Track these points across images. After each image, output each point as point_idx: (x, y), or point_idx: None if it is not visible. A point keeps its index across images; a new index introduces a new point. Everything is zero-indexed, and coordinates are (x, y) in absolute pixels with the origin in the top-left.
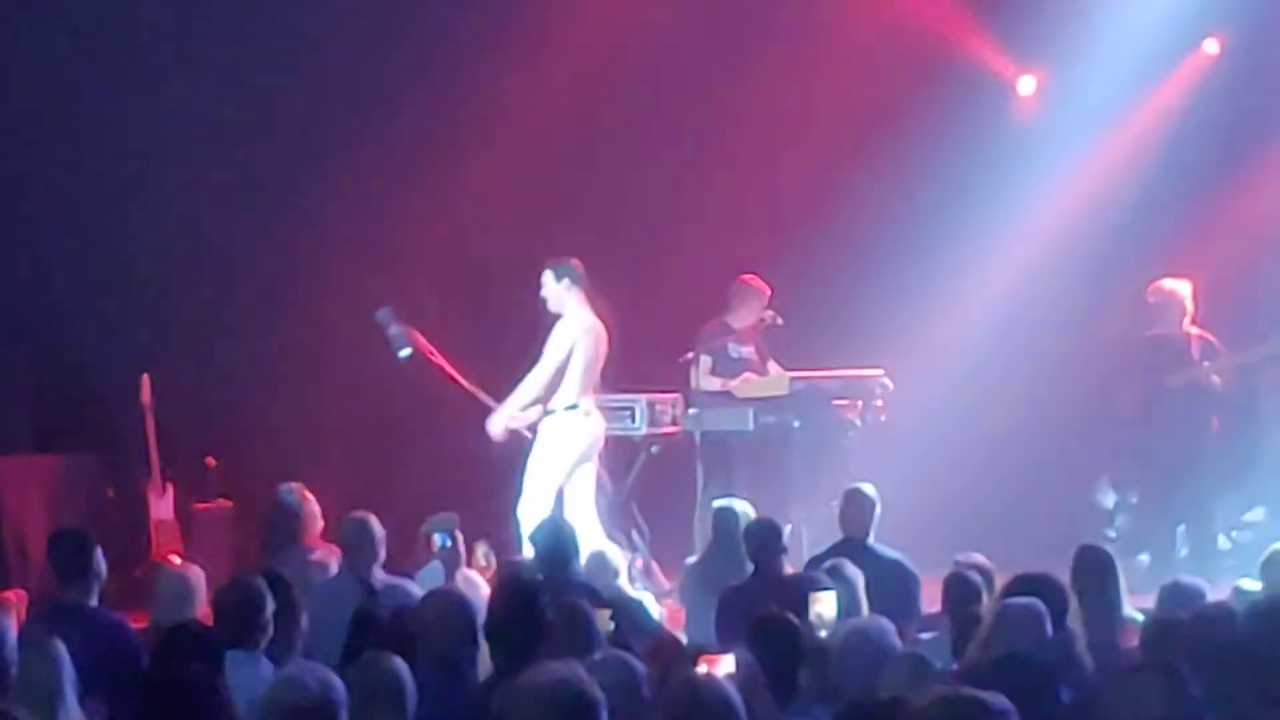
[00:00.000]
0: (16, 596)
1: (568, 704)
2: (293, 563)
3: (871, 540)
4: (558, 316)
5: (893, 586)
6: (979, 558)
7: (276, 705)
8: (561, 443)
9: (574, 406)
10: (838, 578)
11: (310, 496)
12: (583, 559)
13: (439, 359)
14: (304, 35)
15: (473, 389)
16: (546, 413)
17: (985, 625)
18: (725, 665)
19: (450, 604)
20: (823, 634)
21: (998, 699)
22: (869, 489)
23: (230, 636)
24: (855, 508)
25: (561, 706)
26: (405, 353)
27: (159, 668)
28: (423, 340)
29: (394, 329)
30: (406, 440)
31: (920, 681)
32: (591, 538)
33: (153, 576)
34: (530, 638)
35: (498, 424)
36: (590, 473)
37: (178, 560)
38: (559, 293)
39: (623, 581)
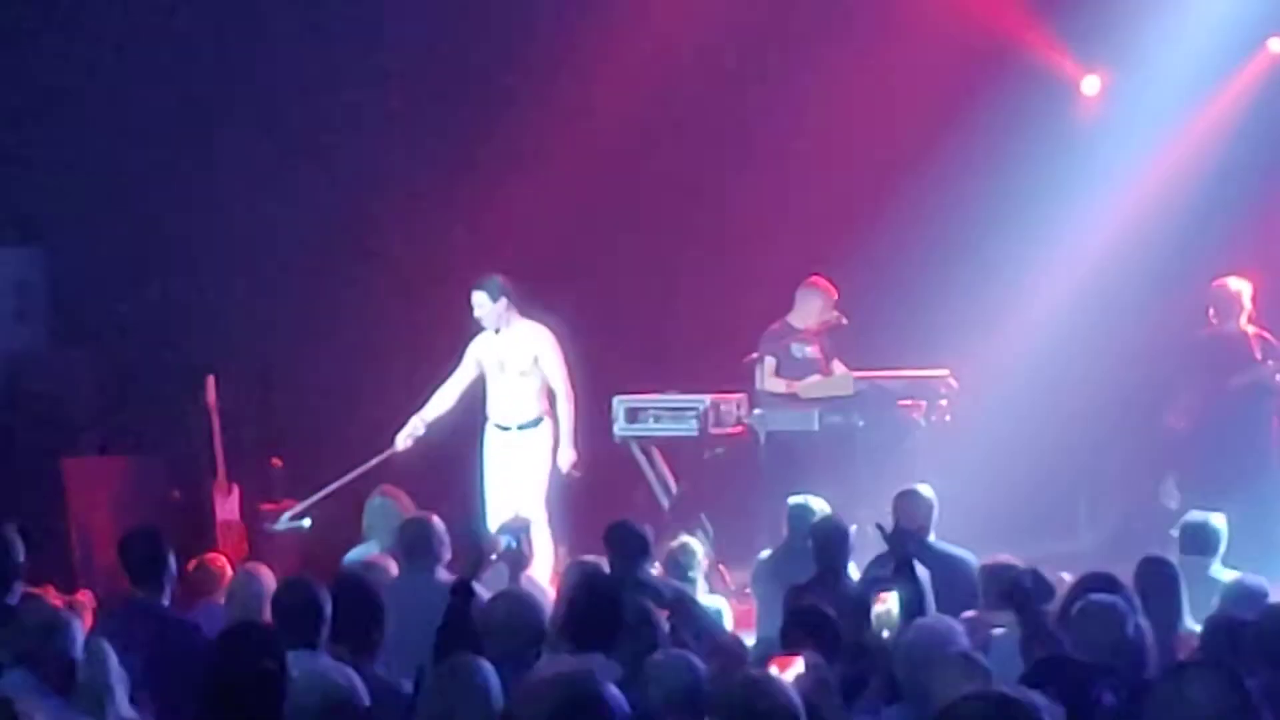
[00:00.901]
0: (85, 599)
1: (575, 700)
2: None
3: (932, 539)
4: (478, 330)
5: (954, 584)
6: (1005, 558)
7: (302, 703)
8: (545, 457)
9: (542, 418)
10: (908, 578)
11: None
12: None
13: (322, 492)
14: (368, 42)
15: (365, 469)
16: (523, 426)
17: (1056, 621)
18: (795, 667)
19: (520, 604)
20: (885, 634)
21: (1030, 696)
22: (925, 489)
23: (290, 636)
24: (911, 508)
25: (568, 702)
26: (307, 523)
27: (221, 666)
28: (300, 504)
29: (285, 525)
30: (473, 441)
31: (975, 680)
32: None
33: (202, 574)
34: (608, 636)
35: (569, 453)
36: None
37: (223, 559)
38: (499, 311)
39: (697, 574)
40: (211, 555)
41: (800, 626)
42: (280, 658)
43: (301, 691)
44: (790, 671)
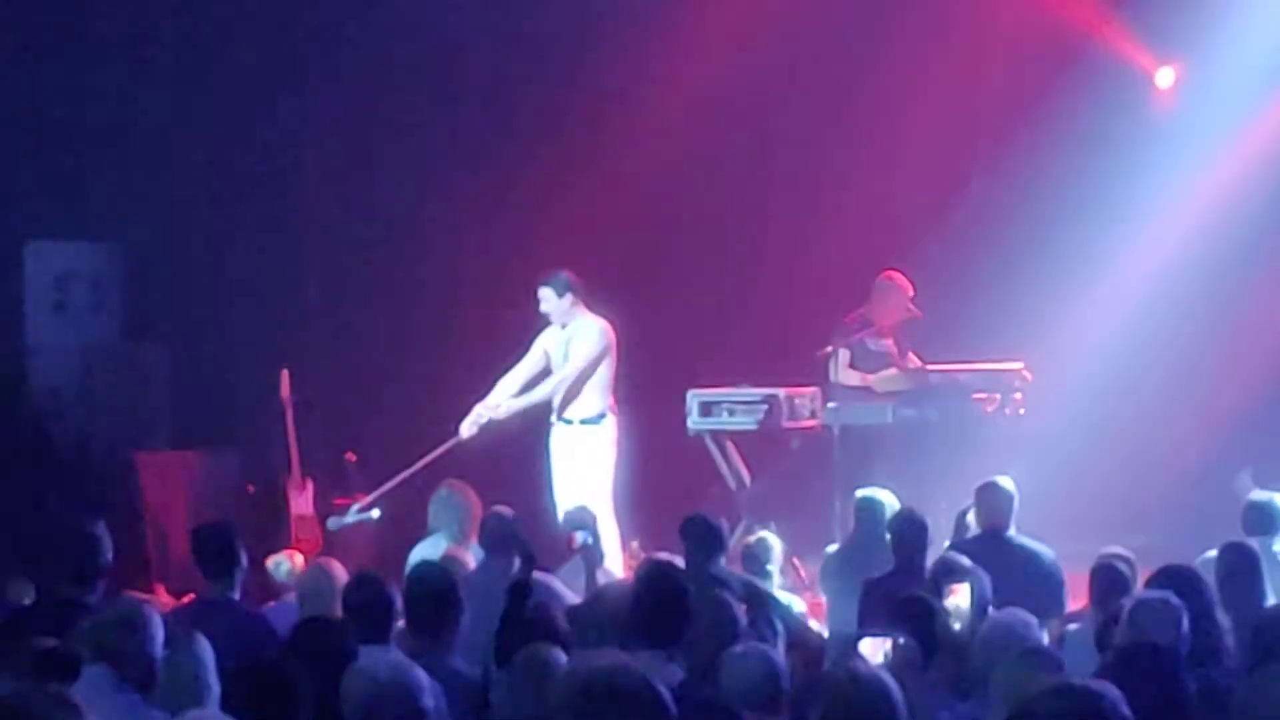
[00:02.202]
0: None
1: (603, 692)
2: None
3: (1012, 532)
4: (547, 323)
5: (1035, 578)
6: (1122, 550)
7: (356, 699)
8: (609, 451)
9: (606, 414)
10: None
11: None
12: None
13: (389, 484)
14: (436, 44)
15: (431, 458)
16: (585, 421)
17: (1121, 619)
18: (883, 646)
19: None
20: (957, 625)
21: (1107, 688)
22: (1006, 481)
23: (361, 631)
24: (992, 500)
25: (594, 694)
26: (376, 514)
27: (293, 660)
28: (368, 496)
29: (354, 517)
30: (538, 434)
31: (1045, 672)
32: (613, 537)
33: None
34: (674, 633)
35: (470, 424)
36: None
37: (300, 557)
38: (565, 306)
39: (774, 569)
40: (290, 552)
41: (877, 616)
42: (352, 653)
43: (356, 687)
44: (879, 651)
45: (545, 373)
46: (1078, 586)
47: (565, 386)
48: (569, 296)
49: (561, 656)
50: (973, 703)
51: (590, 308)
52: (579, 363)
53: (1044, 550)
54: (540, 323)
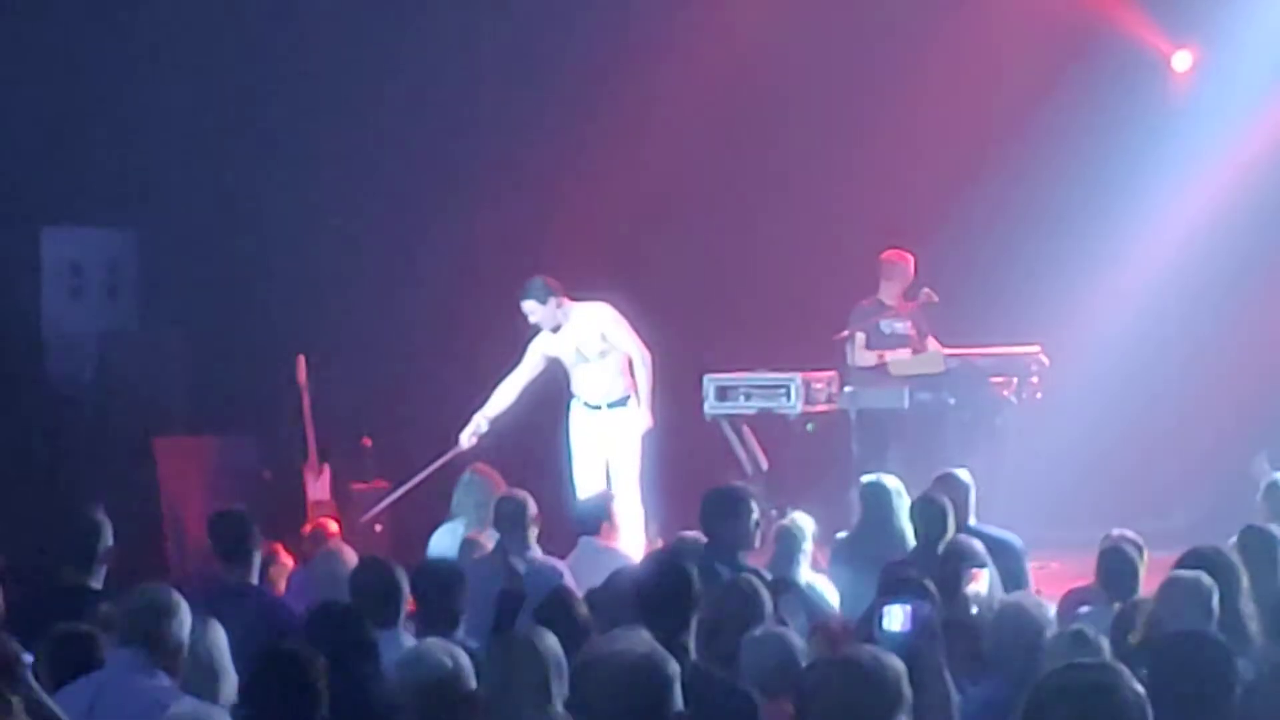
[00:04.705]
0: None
1: (641, 675)
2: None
3: (973, 522)
4: (537, 330)
5: (1002, 567)
6: (1130, 533)
7: (410, 679)
8: (638, 434)
9: (630, 395)
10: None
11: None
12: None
13: (390, 498)
14: (451, 32)
15: (431, 469)
16: (612, 404)
17: (1151, 601)
18: (900, 616)
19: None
20: (975, 610)
21: (1125, 672)
22: (963, 473)
23: (368, 615)
24: (949, 491)
25: (635, 677)
26: (379, 529)
27: (312, 644)
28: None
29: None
30: (556, 418)
31: (1083, 655)
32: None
33: (315, 539)
34: (678, 613)
35: (647, 418)
36: None
37: (334, 525)
38: (552, 311)
39: (808, 548)
40: (324, 520)
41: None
42: (368, 638)
43: (406, 669)
44: (898, 618)
45: (543, 376)
46: (1088, 570)
47: (649, 362)
48: (552, 300)
49: (550, 637)
50: (984, 685)
51: (574, 298)
52: (631, 339)
53: (1010, 539)
54: (533, 328)
